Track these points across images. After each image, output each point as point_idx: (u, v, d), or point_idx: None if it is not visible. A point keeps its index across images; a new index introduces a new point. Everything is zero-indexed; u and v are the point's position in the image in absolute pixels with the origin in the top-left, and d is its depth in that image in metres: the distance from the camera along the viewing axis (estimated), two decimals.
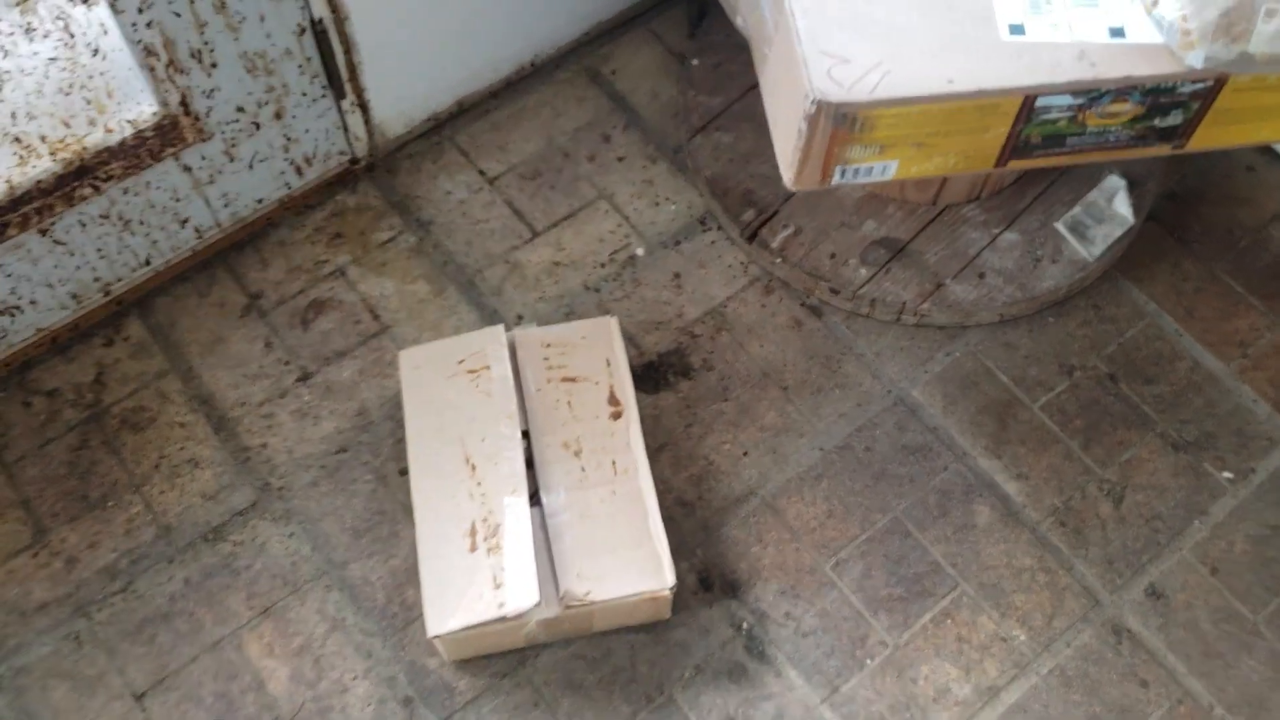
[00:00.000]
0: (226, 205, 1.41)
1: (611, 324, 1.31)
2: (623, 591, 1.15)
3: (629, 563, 1.17)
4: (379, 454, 1.33)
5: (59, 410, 1.34)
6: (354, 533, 1.28)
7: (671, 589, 1.16)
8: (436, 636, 1.13)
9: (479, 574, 1.15)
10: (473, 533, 1.17)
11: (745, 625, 1.23)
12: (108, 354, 1.38)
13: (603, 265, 1.46)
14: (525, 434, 1.24)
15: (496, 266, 1.45)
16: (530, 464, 1.23)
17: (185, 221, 1.39)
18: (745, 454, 1.34)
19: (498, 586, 1.14)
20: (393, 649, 1.22)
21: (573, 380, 1.27)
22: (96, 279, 1.36)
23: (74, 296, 1.36)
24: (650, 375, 1.38)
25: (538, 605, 1.12)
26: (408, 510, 1.27)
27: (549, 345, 1.29)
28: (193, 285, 1.43)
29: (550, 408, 1.25)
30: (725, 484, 1.32)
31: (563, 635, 1.21)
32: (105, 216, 1.31)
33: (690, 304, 1.43)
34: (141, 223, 1.34)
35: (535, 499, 1.21)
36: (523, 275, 1.45)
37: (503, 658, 1.22)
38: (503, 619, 1.13)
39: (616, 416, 1.25)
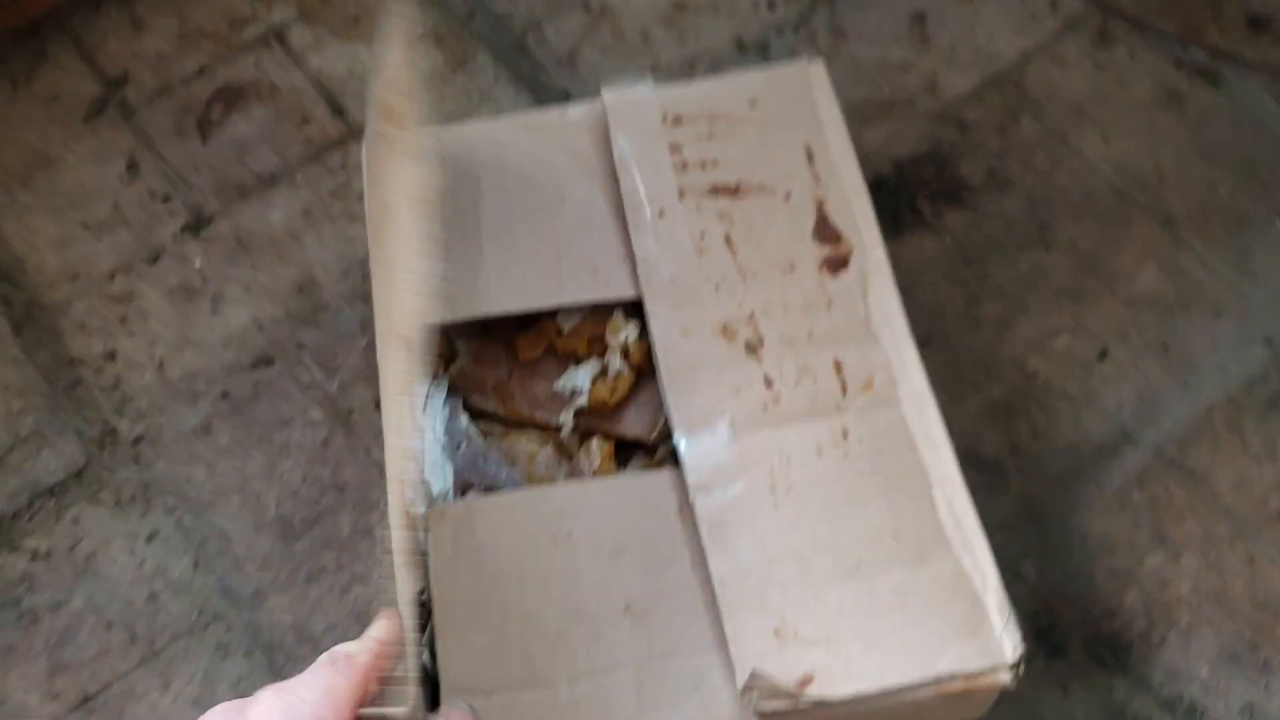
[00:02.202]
0: None
1: (812, 73, 0.61)
2: (896, 678, 0.46)
3: (902, 603, 0.47)
4: (333, 368, 0.65)
5: None
6: (281, 530, 0.61)
7: (1016, 667, 0.46)
8: None
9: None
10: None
11: None
12: None
13: (771, 4, 0.75)
14: (635, 305, 0.55)
15: (568, 15, 0.76)
16: (645, 373, 0.55)
17: None
18: (1103, 355, 0.63)
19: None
20: None
21: (735, 192, 0.58)
22: None
23: None
24: (885, 203, 0.68)
25: None
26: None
27: (680, 121, 0.60)
28: (2, 66, 0.76)
29: (690, 250, 0.56)
30: (1067, 420, 0.61)
31: None
32: None
33: (951, 66, 0.72)
34: None
35: (657, 450, 0.53)
36: (617, 28, 0.75)
37: None
38: None
39: (837, 265, 0.55)
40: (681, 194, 0.57)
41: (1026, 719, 0.54)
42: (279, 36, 0.76)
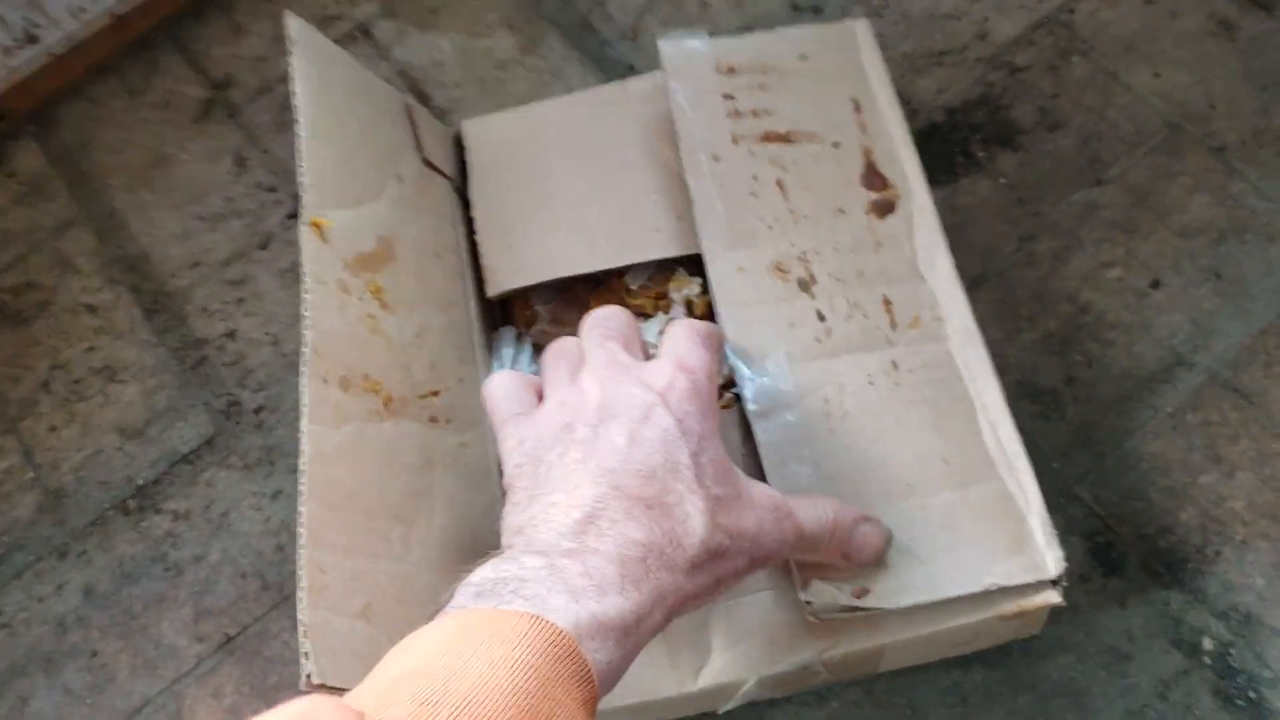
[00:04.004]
0: None
1: (859, 30, 0.64)
2: (946, 591, 0.50)
3: (952, 523, 0.51)
4: None
5: None
6: None
7: (1060, 580, 0.49)
8: None
9: None
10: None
11: (1209, 645, 0.56)
12: None
13: None
14: (697, 262, 0.60)
15: None
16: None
17: None
18: (1155, 284, 0.65)
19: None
20: None
21: (786, 139, 0.61)
22: None
23: None
24: (937, 149, 0.71)
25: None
26: None
27: (734, 71, 0.63)
28: (119, 78, 0.84)
29: (744, 192, 0.60)
30: (1121, 348, 0.63)
31: (803, 686, 0.57)
32: None
33: (1001, 11, 0.75)
34: None
35: (722, 395, 0.57)
36: (676, 1, 0.79)
37: None
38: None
39: (884, 209, 0.59)
40: (735, 140, 0.61)
41: (1086, 633, 0.57)
42: (364, 31, 0.82)
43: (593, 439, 0.41)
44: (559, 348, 0.49)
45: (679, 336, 0.46)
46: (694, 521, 0.39)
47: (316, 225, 0.50)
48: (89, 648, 0.65)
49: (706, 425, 0.43)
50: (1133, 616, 0.57)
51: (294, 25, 0.54)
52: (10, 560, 0.68)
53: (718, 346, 0.49)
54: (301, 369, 0.46)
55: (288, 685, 0.63)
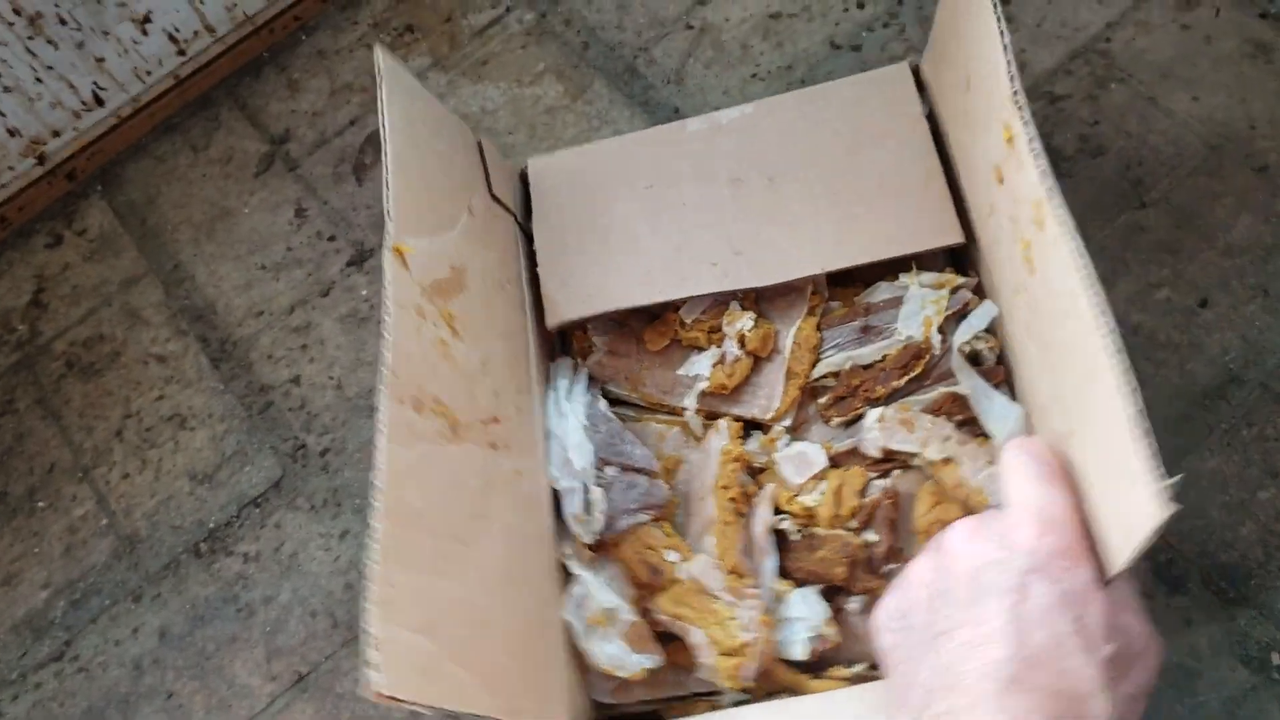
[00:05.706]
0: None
1: (904, 73, 0.66)
2: None
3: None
4: None
5: None
6: None
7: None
8: None
9: None
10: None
11: (1279, 660, 0.56)
12: (53, 259, 0.84)
13: (860, 4, 0.80)
14: (751, 296, 0.61)
15: (672, 37, 0.82)
16: (761, 359, 0.61)
17: (146, 24, 0.82)
18: (1204, 303, 0.65)
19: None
20: None
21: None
22: (14, 133, 0.82)
23: None
24: None
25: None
26: None
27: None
28: (183, 135, 0.87)
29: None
30: (1173, 367, 0.64)
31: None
32: None
33: (1037, 42, 0.76)
34: (68, 23, 0.79)
35: (771, 429, 0.58)
36: (718, 45, 0.81)
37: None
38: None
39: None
40: None
41: None
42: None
43: (972, 623, 0.39)
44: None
45: (1024, 477, 0.43)
46: (1094, 703, 0.37)
47: (399, 251, 0.52)
48: (165, 689, 0.67)
49: (1082, 576, 0.39)
50: (1198, 634, 0.57)
51: (382, 57, 0.56)
52: (86, 605, 0.70)
53: (1065, 476, 0.43)
54: (379, 387, 0.47)
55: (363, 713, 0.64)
